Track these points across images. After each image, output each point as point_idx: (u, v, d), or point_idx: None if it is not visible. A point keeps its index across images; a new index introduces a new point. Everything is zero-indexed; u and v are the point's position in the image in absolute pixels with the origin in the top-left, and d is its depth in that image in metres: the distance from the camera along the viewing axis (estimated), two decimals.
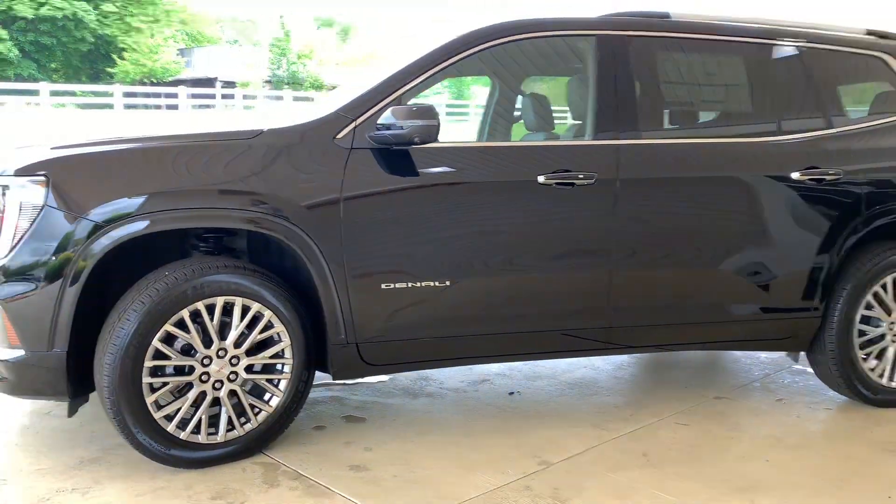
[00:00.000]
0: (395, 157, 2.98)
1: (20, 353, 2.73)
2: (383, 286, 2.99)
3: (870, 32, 3.82)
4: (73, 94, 29.56)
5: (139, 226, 2.72)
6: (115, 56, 41.39)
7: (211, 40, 54.52)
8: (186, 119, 24.80)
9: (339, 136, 2.96)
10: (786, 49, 3.55)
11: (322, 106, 3.64)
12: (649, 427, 3.36)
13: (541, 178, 3.08)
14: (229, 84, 40.32)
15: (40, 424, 3.31)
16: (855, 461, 3.05)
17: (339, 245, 2.90)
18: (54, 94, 26.16)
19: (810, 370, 4.21)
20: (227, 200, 2.82)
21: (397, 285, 3.00)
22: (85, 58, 42.60)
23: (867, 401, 3.60)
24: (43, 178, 2.70)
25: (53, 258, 2.67)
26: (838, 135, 3.51)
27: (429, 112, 2.84)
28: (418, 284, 3.02)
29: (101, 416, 3.37)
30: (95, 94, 31.06)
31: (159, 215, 2.75)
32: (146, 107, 31.41)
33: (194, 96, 30.22)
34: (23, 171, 2.74)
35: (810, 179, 3.38)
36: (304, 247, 2.88)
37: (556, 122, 3.80)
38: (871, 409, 3.61)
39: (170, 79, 42.68)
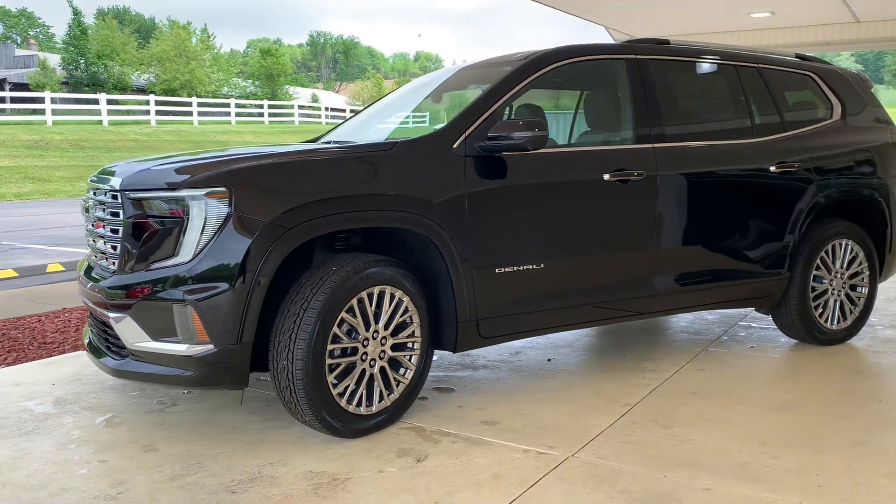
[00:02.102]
0: (499, 162, 3.56)
1: (208, 347, 3.02)
2: (496, 270, 3.56)
3: (797, 56, 4.91)
4: None
5: (319, 228, 3.12)
6: None
7: None
8: None
9: (455, 145, 3.50)
10: (753, 69, 4.52)
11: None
12: (678, 374, 4.19)
13: (606, 176, 3.81)
14: (21, 86, 37.19)
15: (174, 419, 3.54)
16: (839, 382, 4.06)
17: (465, 236, 3.44)
18: None
19: (754, 325, 5.30)
20: (384, 203, 3.28)
21: (506, 269, 3.59)
22: None
23: (818, 342, 4.67)
24: (225, 189, 3.02)
25: (242, 260, 2.99)
26: (791, 136, 4.54)
27: (539, 124, 3.45)
28: (521, 268, 3.63)
29: (216, 407, 3.66)
30: None
31: (332, 218, 3.16)
32: None
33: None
34: (201, 184, 3.03)
35: (781, 171, 4.37)
36: (439, 239, 3.39)
37: None
38: (820, 347, 4.69)
39: None
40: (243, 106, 38.96)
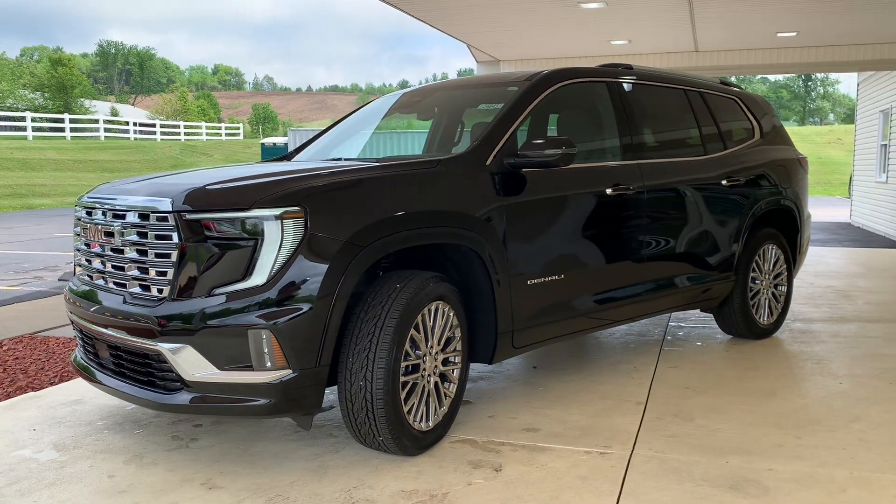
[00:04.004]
0: (523, 178, 3.71)
1: (287, 372, 2.90)
2: (528, 282, 3.70)
3: (721, 81, 5.49)
4: None
5: (390, 245, 3.10)
6: None
7: None
8: None
9: (488, 162, 3.61)
10: (697, 92, 5.01)
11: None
12: (659, 372, 4.53)
13: (608, 190, 4.08)
14: None
15: (209, 454, 3.33)
16: (795, 369, 4.60)
17: (504, 249, 3.56)
18: None
19: (684, 325, 5.81)
20: (443, 219, 3.32)
21: (535, 281, 3.74)
22: None
23: (755, 336, 5.23)
24: (300, 209, 2.92)
25: (321, 280, 2.91)
26: (731, 153, 5.07)
27: (569, 142, 3.64)
28: (547, 279, 3.79)
29: (243, 438, 3.50)
30: None
31: (400, 235, 3.15)
32: None
33: None
34: (275, 204, 2.91)
35: (730, 185, 4.88)
36: (486, 253, 3.47)
37: None
38: (755, 341, 5.25)
39: None
40: (40, 120, 35.69)
